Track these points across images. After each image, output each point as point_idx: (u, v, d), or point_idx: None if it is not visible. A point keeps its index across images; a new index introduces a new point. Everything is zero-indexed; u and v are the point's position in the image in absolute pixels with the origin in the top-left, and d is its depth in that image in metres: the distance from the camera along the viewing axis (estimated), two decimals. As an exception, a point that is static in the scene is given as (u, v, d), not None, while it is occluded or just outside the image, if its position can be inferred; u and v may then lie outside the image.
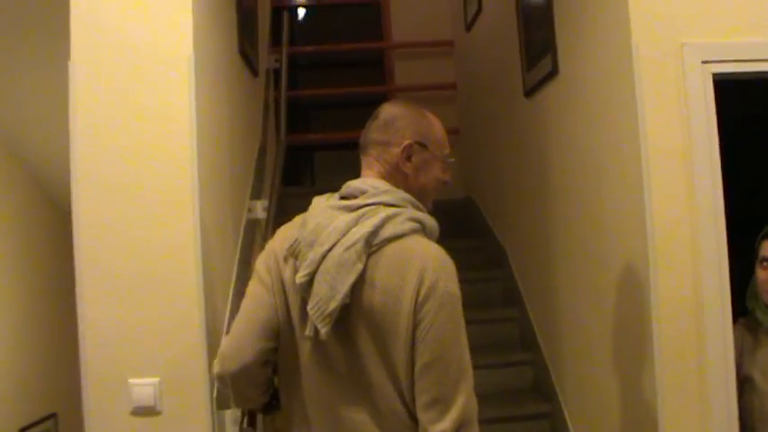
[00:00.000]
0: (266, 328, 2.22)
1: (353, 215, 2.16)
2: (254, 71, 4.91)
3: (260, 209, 4.38)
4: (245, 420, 2.65)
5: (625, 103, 3.14)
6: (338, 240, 2.11)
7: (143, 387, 2.87)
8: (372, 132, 2.33)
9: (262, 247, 4.23)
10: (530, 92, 4.56)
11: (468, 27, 6.58)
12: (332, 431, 2.17)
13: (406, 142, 2.28)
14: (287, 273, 2.21)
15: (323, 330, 2.08)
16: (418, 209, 2.25)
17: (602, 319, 3.56)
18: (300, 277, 2.12)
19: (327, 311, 2.07)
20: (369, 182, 2.25)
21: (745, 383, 3.05)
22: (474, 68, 6.57)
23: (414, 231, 2.17)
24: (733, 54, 3.06)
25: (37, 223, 5.96)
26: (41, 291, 5.94)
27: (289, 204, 5.02)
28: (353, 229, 2.12)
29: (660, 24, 3.06)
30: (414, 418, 2.09)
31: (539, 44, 4.29)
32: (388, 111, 2.35)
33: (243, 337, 2.22)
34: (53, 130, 5.06)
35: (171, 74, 2.96)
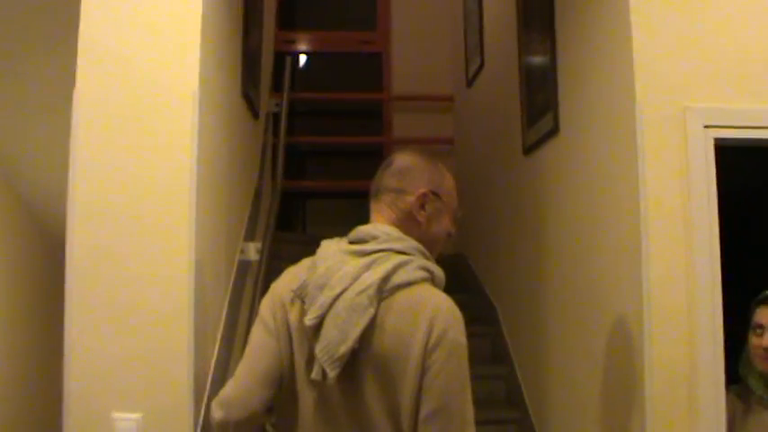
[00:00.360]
0: (272, 375, 2.20)
1: (364, 260, 2.16)
2: (254, 113, 4.92)
3: (253, 251, 4.35)
4: None
5: (626, 163, 3.14)
6: (349, 285, 2.11)
7: (126, 422, 2.82)
8: (387, 179, 2.32)
9: (254, 290, 4.23)
10: (529, 149, 4.57)
11: (470, 83, 6.62)
12: None
13: (422, 191, 2.29)
14: (292, 315, 2.20)
15: (331, 374, 2.06)
16: (427, 258, 2.25)
17: (592, 380, 3.53)
18: (310, 320, 2.11)
19: (337, 355, 2.06)
20: (380, 228, 2.25)
21: (735, 452, 3.02)
22: (473, 124, 6.59)
23: (424, 280, 2.18)
24: (736, 120, 3.06)
25: (29, 256, 5.93)
26: (27, 325, 5.89)
27: (281, 249, 5.01)
28: (365, 275, 2.12)
29: (664, 87, 3.07)
30: None
31: (540, 102, 4.30)
32: (403, 159, 2.35)
33: (249, 385, 2.20)
34: (50, 160, 5.05)
35: (175, 108, 2.96)
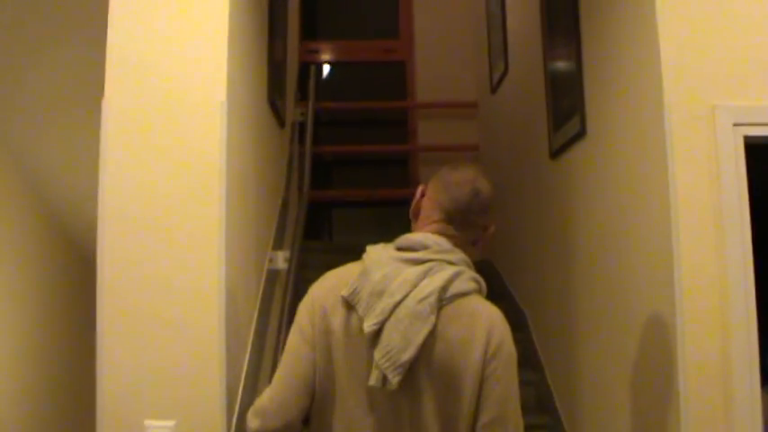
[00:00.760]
0: (308, 384, 2.21)
1: (421, 268, 2.19)
2: (281, 122, 4.93)
3: (281, 260, 4.36)
4: None
5: (655, 164, 3.13)
6: (409, 292, 2.14)
7: (159, 430, 2.83)
8: (475, 214, 2.34)
9: (283, 299, 4.24)
10: (556, 153, 4.55)
11: (494, 89, 6.61)
12: None
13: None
14: (336, 321, 2.21)
15: (394, 380, 2.08)
16: (474, 270, 2.30)
17: (625, 383, 3.51)
18: (370, 326, 2.13)
19: (400, 362, 2.08)
20: (431, 238, 2.28)
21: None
22: (498, 130, 6.58)
23: (476, 291, 2.25)
24: (765, 117, 3.04)
25: (60, 269, 5.97)
26: (59, 335, 5.93)
27: (308, 258, 5.01)
28: (423, 283, 2.16)
29: (693, 86, 3.06)
30: None
31: (566, 105, 4.29)
32: (487, 190, 2.37)
33: (287, 394, 2.20)
34: (79, 174, 5.08)
35: (203, 117, 2.97)
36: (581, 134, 4.05)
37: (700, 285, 2.96)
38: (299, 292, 4.73)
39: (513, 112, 5.98)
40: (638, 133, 3.32)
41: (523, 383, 5.06)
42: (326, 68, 8.07)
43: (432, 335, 2.12)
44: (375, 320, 2.13)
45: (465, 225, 2.32)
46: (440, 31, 7.83)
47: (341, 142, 7.79)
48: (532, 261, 5.32)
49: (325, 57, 8.01)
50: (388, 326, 2.12)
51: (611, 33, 3.64)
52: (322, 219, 7.77)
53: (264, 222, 4.27)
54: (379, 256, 2.25)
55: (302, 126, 6.19)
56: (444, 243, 2.26)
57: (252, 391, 3.40)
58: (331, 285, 2.27)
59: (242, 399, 3.17)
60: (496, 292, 6.15)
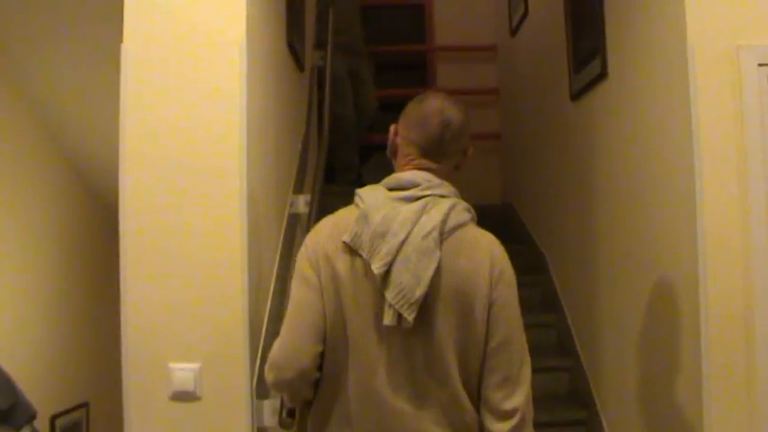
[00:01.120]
0: (318, 331, 2.22)
1: (416, 205, 2.23)
2: (300, 65, 4.90)
3: (302, 203, 4.36)
4: (284, 412, 2.65)
5: (678, 105, 3.10)
6: (411, 230, 2.18)
7: (183, 372, 2.86)
8: (450, 144, 2.35)
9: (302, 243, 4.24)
10: (576, 95, 4.53)
11: (514, 31, 6.55)
12: (384, 425, 2.18)
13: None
14: (341, 266, 2.22)
15: (410, 317, 2.12)
16: (462, 199, 2.34)
17: (646, 328, 3.52)
18: (379, 268, 2.15)
19: (414, 299, 2.12)
20: (420, 174, 2.31)
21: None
22: (518, 73, 6.54)
23: (471, 220, 2.30)
24: (791, 57, 3.01)
25: (81, 214, 6.00)
26: (81, 279, 5.98)
27: (329, 201, 5.00)
28: (422, 219, 2.20)
29: (716, 26, 3.02)
30: (473, 403, 2.20)
31: (587, 47, 4.26)
32: (458, 117, 2.37)
33: (296, 343, 2.22)
34: (98, 120, 5.09)
35: (223, 58, 2.95)
36: (602, 76, 4.02)
37: (722, 229, 2.95)
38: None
39: (533, 55, 5.93)
40: (661, 75, 3.29)
41: (544, 326, 5.17)
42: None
43: (439, 268, 2.16)
44: (383, 261, 2.15)
45: (442, 155, 2.35)
46: (459, -27, 7.75)
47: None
48: (553, 205, 5.31)
49: (344, 0, 7.95)
50: (396, 265, 2.15)
51: (634, -27, 3.59)
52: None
53: (285, 166, 4.26)
54: (374, 198, 2.27)
55: (321, 70, 6.16)
56: (432, 178, 2.30)
57: (274, 334, 3.40)
58: (329, 232, 2.28)
59: (265, 341, 3.19)
60: (517, 235, 6.19)
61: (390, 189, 2.30)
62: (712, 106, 2.98)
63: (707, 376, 2.92)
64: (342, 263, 2.22)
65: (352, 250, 2.22)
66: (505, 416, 2.15)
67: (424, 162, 2.34)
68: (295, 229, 4.33)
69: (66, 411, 5.54)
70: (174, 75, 2.95)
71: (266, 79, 3.56)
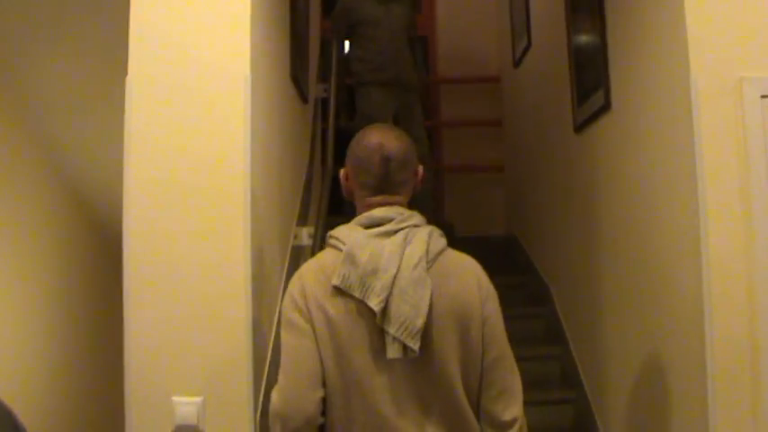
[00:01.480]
0: (318, 377, 2.23)
1: (397, 239, 2.29)
2: (304, 98, 4.93)
3: (305, 236, 4.36)
4: None
5: (681, 137, 3.10)
6: (400, 263, 2.24)
7: (186, 405, 2.84)
8: (397, 174, 2.41)
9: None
10: (580, 127, 4.53)
11: (517, 63, 6.58)
12: None
13: (421, 171, 2.49)
14: (334, 311, 2.24)
15: (416, 347, 2.17)
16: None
17: (651, 358, 3.50)
18: (377, 304, 2.19)
19: (416, 329, 2.18)
20: (390, 209, 2.37)
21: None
22: (521, 104, 6.55)
23: (446, 245, 2.38)
24: (794, 90, 3.01)
25: (84, 246, 6.00)
26: (85, 313, 5.97)
27: (332, 234, 5.01)
28: (407, 251, 2.27)
29: (719, 58, 3.02)
30: (475, 417, 2.29)
31: (591, 78, 4.27)
32: (397, 148, 2.41)
33: (299, 391, 2.21)
34: (104, 151, 5.10)
35: (227, 91, 2.96)
36: (605, 108, 4.03)
37: (727, 259, 2.94)
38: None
39: (537, 87, 5.95)
40: (664, 106, 3.29)
41: (548, 357, 5.14)
42: (348, 44, 8.04)
43: (432, 294, 2.22)
44: (380, 298, 2.19)
45: (397, 186, 2.41)
46: (462, 6, 7.79)
47: (363, 118, 7.77)
48: (557, 236, 5.31)
49: (347, 32, 7.97)
50: (393, 299, 2.20)
51: (636, 5, 3.60)
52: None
53: (289, 199, 4.27)
54: (354, 237, 2.30)
55: (325, 102, 6.18)
56: (403, 210, 2.38)
57: (278, 367, 3.41)
58: (315, 278, 2.30)
59: (269, 375, 3.18)
60: (521, 267, 6.18)
61: (366, 227, 2.34)
62: (715, 138, 2.98)
63: (713, 406, 2.90)
64: (334, 307, 2.24)
65: (342, 293, 2.24)
66: (506, 426, 2.27)
67: (385, 198, 2.39)
68: (299, 262, 4.33)
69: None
70: (178, 107, 2.96)
71: (270, 112, 3.57)
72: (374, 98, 5.87)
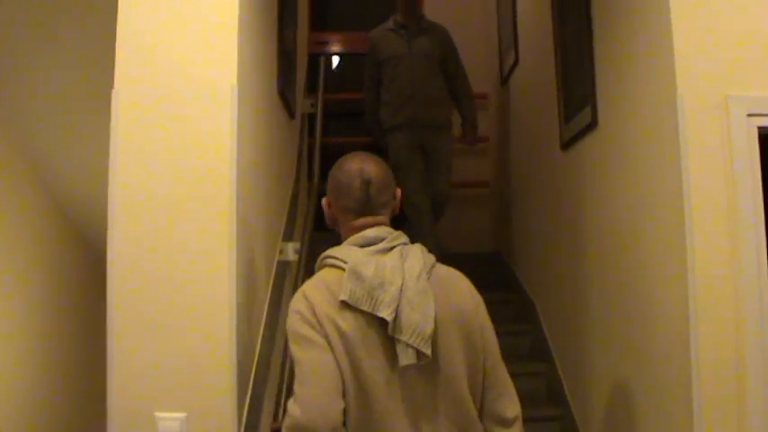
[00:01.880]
0: (339, 388, 2.27)
1: (394, 254, 2.42)
2: (291, 113, 4.92)
3: (291, 251, 4.35)
4: None
5: (667, 155, 3.11)
6: (403, 276, 2.36)
7: (169, 421, 2.82)
8: (377, 196, 2.53)
9: (293, 291, 4.22)
10: (567, 145, 4.54)
11: (504, 80, 6.59)
12: None
13: (399, 193, 2.63)
14: (346, 325, 2.30)
15: (428, 352, 2.28)
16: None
17: (636, 375, 3.50)
18: (389, 314, 2.29)
19: (427, 335, 2.29)
20: (382, 230, 2.50)
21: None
22: (509, 121, 6.56)
23: (435, 260, 2.51)
24: (780, 108, 3.01)
25: (69, 260, 5.97)
26: (69, 327, 5.94)
27: (318, 249, 4.99)
28: (407, 265, 2.39)
29: (705, 76, 3.03)
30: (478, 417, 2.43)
31: (578, 96, 4.27)
32: (377, 171, 2.55)
33: (322, 402, 2.24)
34: (88, 165, 5.08)
35: (214, 105, 2.97)
36: (592, 125, 4.03)
37: (713, 278, 2.94)
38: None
39: (524, 104, 5.96)
40: (651, 124, 3.30)
41: (534, 375, 5.12)
42: (336, 60, 8.05)
43: (436, 303, 2.35)
44: (390, 308, 2.30)
45: (378, 207, 2.53)
46: (449, 23, 7.74)
47: (350, 134, 7.76)
48: (543, 253, 5.30)
49: (335, 48, 7.97)
50: (403, 309, 2.30)
51: (623, 23, 3.61)
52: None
53: (275, 214, 4.26)
54: (355, 255, 2.40)
55: (312, 117, 6.18)
56: (391, 230, 2.52)
57: (263, 383, 3.40)
58: (322, 295, 2.36)
59: (253, 391, 3.17)
60: (507, 284, 6.17)
61: (362, 246, 2.44)
62: (702, 156, 2.99)
63: (699, 424, 2.90)
64: (345, 321, 2.30)
65: (350, 308, 2.31)
66: (510, 422, 2.46)
67: (369, 219, 2.51)
68: (284, 277, 4.32)
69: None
70: (164, 120, 2.96)
71: (257, 125, 3.56)
72: (398, 144, 5.72)
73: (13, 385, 5.10)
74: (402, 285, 2.34)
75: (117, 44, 2.99)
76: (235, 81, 2.99)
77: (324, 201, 2.62)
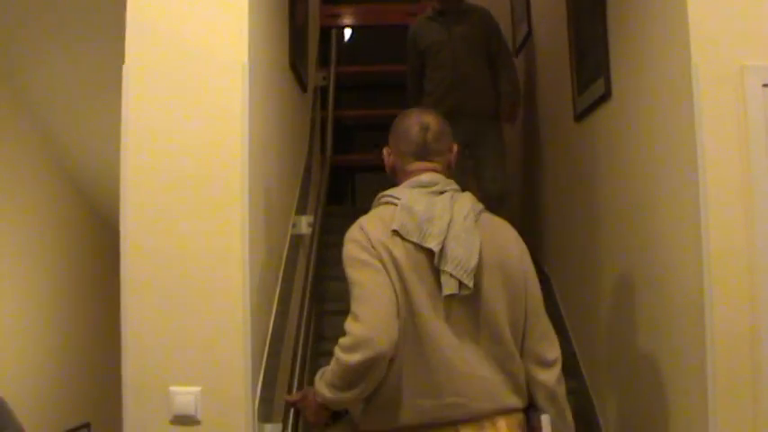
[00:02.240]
0: (395, 306, 2.46)
1: (445, 197, 2.63)
2: (303, 86, 4.90)
3: (305, 224, 4.34)
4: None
5: (682, 125, 3.08)
6: (452, 214, 2.56)
7: (184, 396, 2.83)
8: (434, 144, 2.76)
9: (307, 263, 4.23)
10: (580, 116, 4.51)
11: (517, 51, 6.54)
12: (459, 386, 2.47)
13: (456, 147, 2.84)
14: (398, 252, 2.51)
15: (470, 284, 2.45)
16: None
17: (652, 349, 3.49)
18: (435, 245, 2.48)
19: (470, 268, 2.46)
20: (435, 176, 2.72)
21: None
22: (522, 93, 6.52)
23: (483, 208, 2.72)
24: (795, 77, 2.98)
25: (83, 235, 5.99)
26: (83, 301, 5.96)
27: (331, 222, 5.00)
28: (456, 206, 2.60)
29: (720, 46, 3.00)
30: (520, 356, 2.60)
31: (591, 67, 4.24)
32: (435, 122, 2.80)
33: (382, 317, 2.41)
34: (101, 140, 5.08)
35: (225, 79, 2.94)
36: (606, 96, 4.00)
37: (728, 249, 2.92)
38: (322, 257, 4.73)
39: (537, 75, 5.93)
40: (665, 95, 3.27)
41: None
42: (348, 33, 8.02)
43: (481, 244, 2.53)
44: (437, 240, 2.49)
45: (434, 154, 2.75)
46: (462, -6, 7.74)
47: (363, 106, 7.75)
48: (557, 225, 5.29)
49: (347, 21, 7.94)
50: (449, 242, 2.49)
51: (638, -7, 3.58)
52: (345, 183, 7.75)
53: (287, 187, 4.25)
54: (409, 194, 2.62)
55: (324, 91, 6.16)
56: (443, 177, 2.73)
57: (276, 357, 3.40)
58: (376, 226, 2.57)
59: (266, 364, 3.17)
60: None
61: (415, 188, 2.66)
62: (717, 127, 2.96)
63: (713, 397, 2.89)
64: (397, 248, 2.51)
65: (401, 238, 2.52)
66: (551, 363, 2.63)
67: (425, 164, 2.74)
68: (297, 250, 4.31)
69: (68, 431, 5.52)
70: (175, 96, 2.94)
71: (269, 100, 3.55)
72: None
73: (31, 359, 5.14)
74: (450, 222, 2.52)
75: (127, 20, 2.97)
76: (246, 57, 2.97)
77: (384, 150, 2.86)
